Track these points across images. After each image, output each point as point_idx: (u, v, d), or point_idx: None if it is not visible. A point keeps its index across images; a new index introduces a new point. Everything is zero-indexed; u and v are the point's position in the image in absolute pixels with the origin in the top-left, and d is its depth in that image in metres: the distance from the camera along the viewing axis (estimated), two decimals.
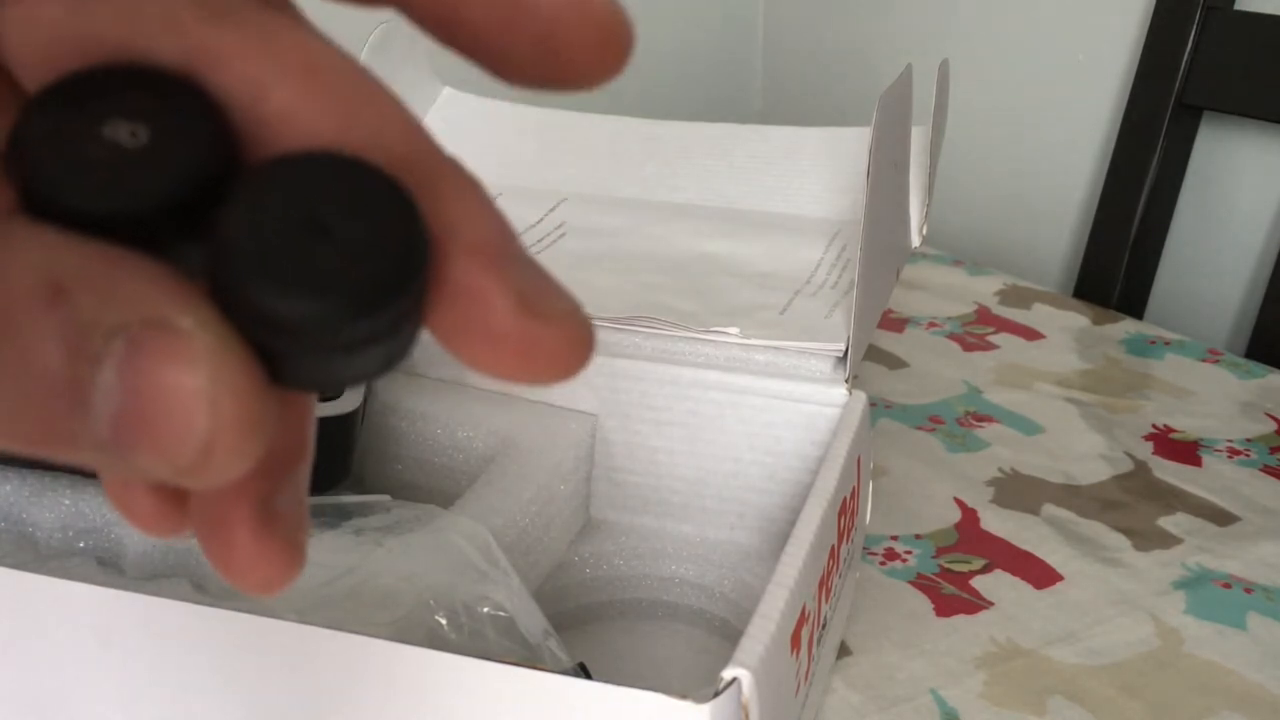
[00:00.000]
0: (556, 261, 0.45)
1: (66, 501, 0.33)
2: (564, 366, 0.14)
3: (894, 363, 0.64)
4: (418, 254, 0.12)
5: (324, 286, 0.12)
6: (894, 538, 0.47)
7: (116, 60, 0.12)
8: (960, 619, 0.42)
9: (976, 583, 0.44)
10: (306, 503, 0.15)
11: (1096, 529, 0.48)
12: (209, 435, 0.11)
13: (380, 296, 0.12)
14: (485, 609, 0.30)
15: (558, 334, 0.13)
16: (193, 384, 0.11)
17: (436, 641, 0.29)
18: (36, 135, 0.12)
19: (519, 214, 0.50)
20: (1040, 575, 0.45)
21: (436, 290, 0.13)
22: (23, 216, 0.12)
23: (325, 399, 0.34)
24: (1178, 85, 0.77)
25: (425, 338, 0.14)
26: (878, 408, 0.58)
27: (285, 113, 0.13)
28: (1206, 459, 0.54)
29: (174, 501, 0.15)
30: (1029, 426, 0.57)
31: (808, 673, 0.30)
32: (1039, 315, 0.72)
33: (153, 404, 0.11)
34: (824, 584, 0.31)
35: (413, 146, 0.13)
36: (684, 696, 0.23)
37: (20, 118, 0.12)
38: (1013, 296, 0.74)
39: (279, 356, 0.12)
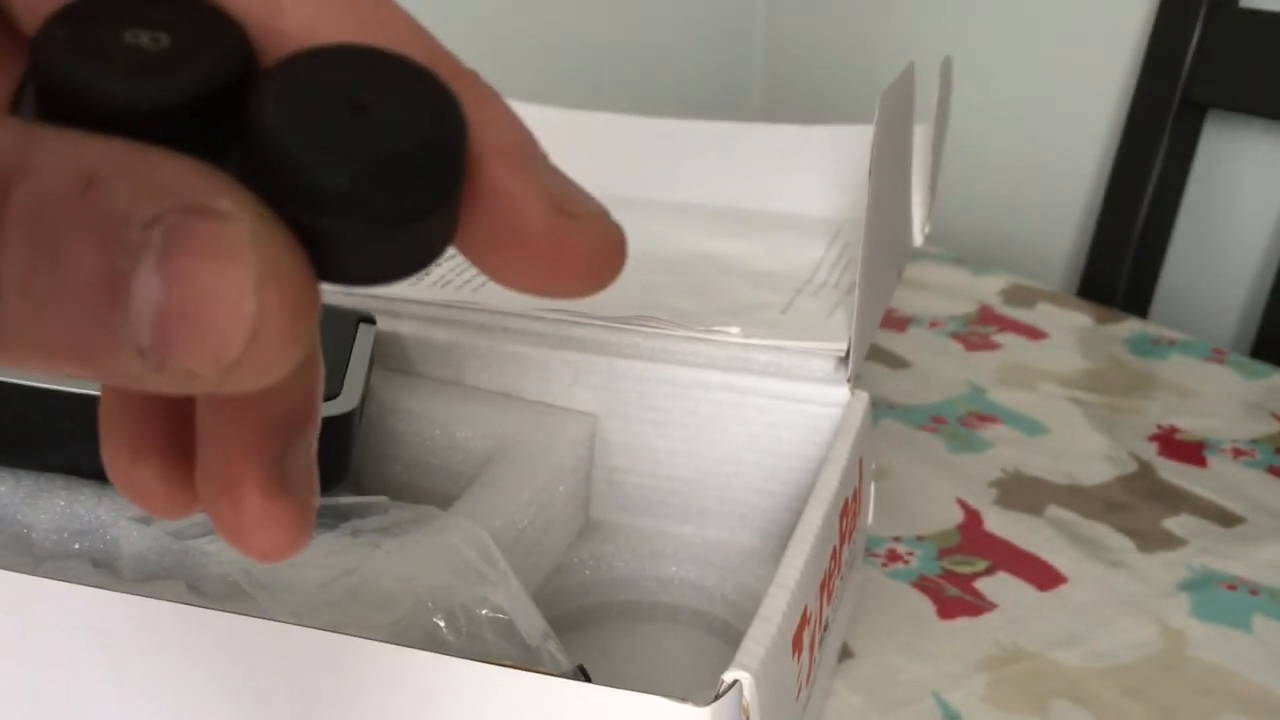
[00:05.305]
0: None
1: (62, 503, 0.33)
2: (596, 271, 0.14)
3: (896, 362, 0.64)
4: (457, 128, 0.13)
5: (367, 154, 0.12)
6: (896, 539, 0.47)
7: None
8: (963, 621, 0.42)
9: (979, 584, 0.44)
10: (315, 470, 0.15)
11: (1100, 530, 0.48)
12: (256, 322, 0.11)
13: (424, 165, 0.12)
14: (484, 611, 0.30)
15: (589, 234, 0.14)
16: (236, 267, 0.11)
17: (434, 644, 0.29)
18: (57, 42, 0.12)
19: None
20: (1044, 577, 0.44)
21: (468, 194, 0.13)
22: (46, 123, 0.12)
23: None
24: (1182, 83, 0.77)
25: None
26: (879, 408, 0.58)
27: (302, 27, 0.13)
28: (1211, 460, 0.54)
29: (182, 479, 0.15)
30: (1032, 427, 0.57)
31: (809, 675, 0.30)
32: (1042, 315, 0.71)
33: (195, 292, 0.11)
34: (825, 586, 0.31)
35: (432, 56, 0.13)
36: (684, 699, 0.22)
37: (40, 32, 0.12)
38: (1016, 296, 0.74)
39: (320, 240, 0.12)
